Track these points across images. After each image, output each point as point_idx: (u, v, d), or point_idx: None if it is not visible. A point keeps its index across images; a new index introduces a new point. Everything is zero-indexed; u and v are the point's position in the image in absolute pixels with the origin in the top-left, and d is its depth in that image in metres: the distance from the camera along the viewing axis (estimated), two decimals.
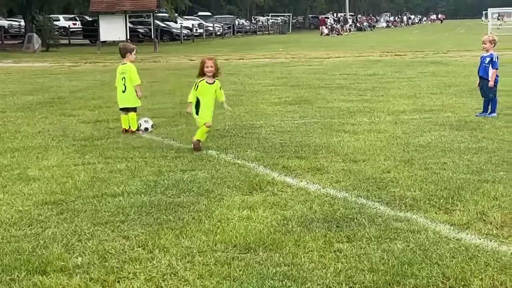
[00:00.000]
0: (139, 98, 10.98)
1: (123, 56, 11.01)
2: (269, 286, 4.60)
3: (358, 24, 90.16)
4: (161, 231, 5.72)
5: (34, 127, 11.59)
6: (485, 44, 11.94)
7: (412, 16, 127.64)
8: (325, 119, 11.91)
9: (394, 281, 4.64)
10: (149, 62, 29.18)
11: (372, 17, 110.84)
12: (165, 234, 5.64)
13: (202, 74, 9.24)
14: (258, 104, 13.96)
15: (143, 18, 57.06)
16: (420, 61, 26.01)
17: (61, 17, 63.46)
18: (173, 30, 58.62)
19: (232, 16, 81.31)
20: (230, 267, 4.91)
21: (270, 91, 16.43)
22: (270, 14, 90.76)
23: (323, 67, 24.67)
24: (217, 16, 78.81)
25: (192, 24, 63.26)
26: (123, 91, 10.87)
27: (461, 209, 6.24)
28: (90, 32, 52.24)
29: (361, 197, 6.72)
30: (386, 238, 5.47)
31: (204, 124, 9.16)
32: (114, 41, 39.60)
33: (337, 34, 70.17)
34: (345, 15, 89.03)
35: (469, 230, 5.67)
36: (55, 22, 51.60)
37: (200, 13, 78.99)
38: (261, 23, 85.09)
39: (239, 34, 73.31)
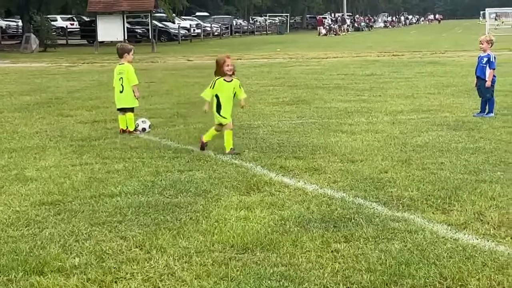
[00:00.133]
0: (137, 99, 10.98)
1: (121, 56, 11.00)
2: (266, 286, 4.60)
3: (355, 24, 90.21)
4: (158, 232, 5.72)
5: (32, 127, 11.58)
6: (482, 44, 11.96)
7: (410, 16, 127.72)
8: (322, 119, 11.92)
9: (391, 281, 4.64)
10: (147, 62, 29.16)
11: (370, 17, 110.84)
12: (162, 234, 5.64)
13: (221, 73, 9.06)
14: (256, 104, 13.95)
15: (141, 18, 56.90)
16: (418, 61, 26.03)
17: (58, 17, 63.44)
18: (170, 30, 58.56)
19: (229, 16, 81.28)
20: (228, 268, 4.91)
21: (268, 91, 16.43)
22: (267, 14, 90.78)
23: (320, 67, 24.68)
24: (215, 17, 78.76)
25: (190, 25, 63.21)
26: (121, 92, 10.87)
27: (458, 209, 6.25)
28: (88, 32, 52.13)
29: (358, 197, 6.72)
30: (383, 238, 5.47)
31: (227, 125, 9.02)
32: (111, 41, 39.60)
33: (335, 34, 70.17)
34: (342, 15, 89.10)
35: (466, 230, 5.68)
36: (52, 23, 51.58)
37: (197, 13, 78.93)
38: (258, 24, 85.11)
39: (236, 34, 73.31)
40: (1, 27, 55.45)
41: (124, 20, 41.67)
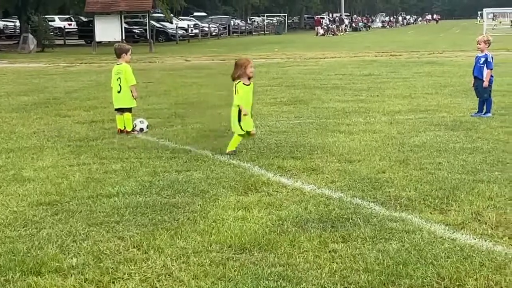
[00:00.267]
0: (135, 99, 10.97)
1: (119, 56, 11.00)
2: (264, 286, 4.60)
3: (353, 24, 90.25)
4: (156, 232, 5.71)
5: (29, 127, 11.57)
6: (479, 44, 11.97)
7: (408, 17, 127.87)
8: (320, 119, 11.91)
9: (389, 281, 4.64)
10: (145, 62, 29.15)
11: (368, 17, 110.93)
12: (160, 234, 5.64)
13: (243, 75, 8.70)
14: (253, 105, 13.91)
15: (139, 19, 57.03)
16: (416, 61, 26.04)
17: (56, 17, 63.41)
18: (168, 30, 58.54)
19: (227, 16, 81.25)
20: (225, 268, 4.91)
21: (266, 92, 16.42)
22: (265, 15, 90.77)
23: (318, 67, 24.68)
24: (213, 17, 78.76)
25: (188, 25, 63.20)
26: (119, 92, 10.86)
27: (456, 209, 6.25)
28: (85, 32, 52.14)
29: (356, 197, 6.73)
30: (381, 238, 5.47)
31: (250, 132, 8.86)
32: (109, 41, 39.55)
33: (333, 35, 70.20)
34: (340, 15, 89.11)
35: (464, 230, 5.68)
36: (50, 23, 51.54)
37: (195, 14, 78.90)
38: (256, 24, 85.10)
39: (234, 34, 73.30)
40: None
41: (122, 20, 41.66)
